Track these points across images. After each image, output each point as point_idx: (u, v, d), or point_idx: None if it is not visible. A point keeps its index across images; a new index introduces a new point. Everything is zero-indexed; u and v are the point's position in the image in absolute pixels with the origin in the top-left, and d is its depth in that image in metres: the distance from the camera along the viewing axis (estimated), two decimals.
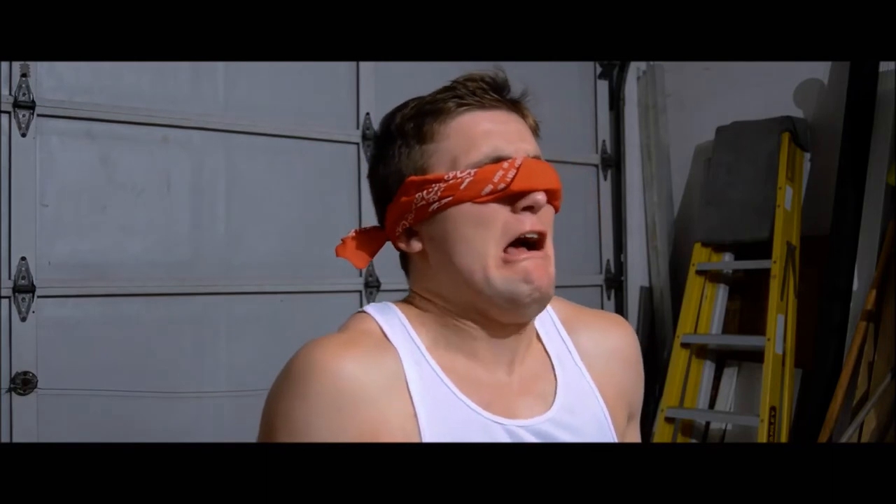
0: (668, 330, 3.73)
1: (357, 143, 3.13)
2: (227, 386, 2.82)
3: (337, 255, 1.06)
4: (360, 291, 3.11)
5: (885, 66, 3.17)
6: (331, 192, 3.10)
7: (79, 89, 2.64)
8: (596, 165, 3.87)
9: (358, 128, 3.14)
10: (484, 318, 1.00)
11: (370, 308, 1.02)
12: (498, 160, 0.96)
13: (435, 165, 0.98)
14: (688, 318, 3.46)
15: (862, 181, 3.15)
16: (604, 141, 3.89)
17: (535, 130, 1.03)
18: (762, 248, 3.32)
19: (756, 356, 3.28)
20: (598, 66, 3.90)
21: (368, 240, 1.06)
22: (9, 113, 2.50)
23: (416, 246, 1.01)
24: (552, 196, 0.99)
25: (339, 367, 0.93)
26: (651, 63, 3.89)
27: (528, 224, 0.97)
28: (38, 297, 2.52)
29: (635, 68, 3.92)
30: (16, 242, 2.49)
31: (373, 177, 1.05)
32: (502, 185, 0.95)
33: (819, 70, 3.41)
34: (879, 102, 3.16)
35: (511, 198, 0.96)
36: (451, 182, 0.96)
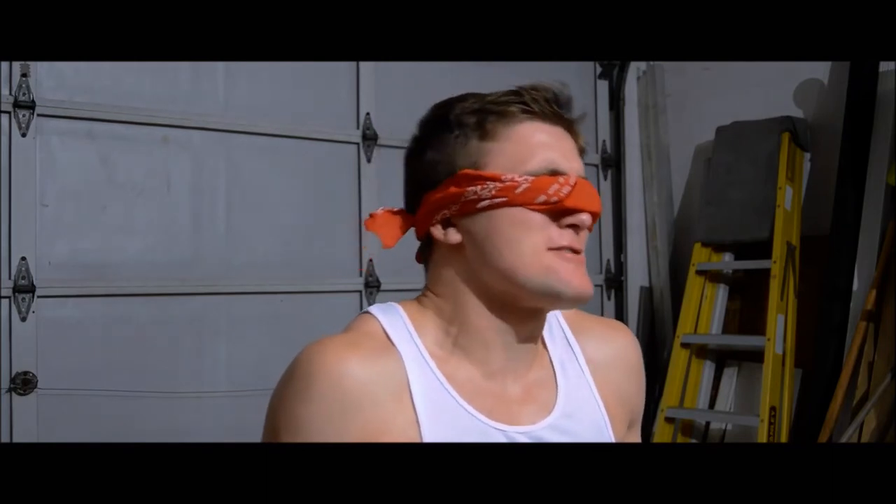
0: (668, 330, 3.73)
1: (357, 143, 3.13)
2: (227, 386, 2.82)
3: (366, 228, 1.06)
4: (360, 291, 3.11)
5: (885, 66, 3.17)
6: (331, 192, 3.10)
7: (79, 89, 2.63)
8: (596, 165, 3.87)
9: (358, 128, 3.14)
10: (509, 309, 1.00)
11: (374, 309, 1.02)
12: (553, 173, 0.98)
13: (491, 164, 0.98)
14: (688, 318, 3.46)
15: (862, 181, 3.15)
16: (604, 141, 3.89)
17: (583, 153, 1.04)
18: (762, 248, 3.32)
19: (756, 356, 3.28)
20: (598, 66, 3.90)
21: (398, 220, 1.06)
22: (9, 113, 2.50)
23: (454, 237, 1.00)
24: (594, 219, 1.01)
25: (342, 368, 0.93)
26: (651, 63, 3.89)
27: (567, 239, 0.98)
28: (38, 297, 2.52)
29: (635, 68, 3.92)
30: (16, 242, 2.49)
31: (417, 160, 1.04)
32: (555, 199, 0.97)
33: (819, 70, 3.41)
34: (879, 102, 3.16)
35: (560, 213, 0.98)
36: (507, 184, 0.97)
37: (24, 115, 2.51)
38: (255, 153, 2.95)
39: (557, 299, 0.98)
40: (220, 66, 2.88)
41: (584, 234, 1.01)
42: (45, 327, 2.53)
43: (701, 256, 3.50)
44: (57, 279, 2.56)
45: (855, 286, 3.14)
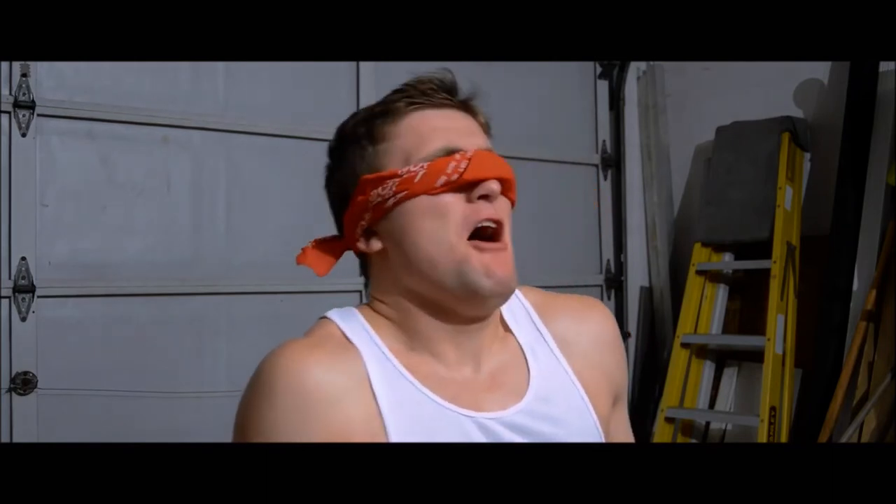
0: (668, 330, 3.73)
1: None
2: (227, 386, 2.82)
3: (297, 262, 1.08)
4: (360, 291, 3.11)
5: (885, 66, 3.16)
6: None
7: (79, 89, 2.63)
8: (596, 165, 3.87)
9: None
10: (444, 313, 1.00)
11: (332, 313, 1.03)
12: (450, 153, 0.98)
13: (388, 163, 0.99)
14: (688, 318, 3.45)
15: (862, 181, 3.15)
16: (604, 141, 3.89)
17: (487, 129, 1.04)
18: (762, 248, 3.32)
19: (756, 356, 3.28)
20: (598, 66, 3.89)
21: (328, 248, 1.07)
22: (9, 113, 2.50)
23: (376, 245, 1.01)
24: (506, 186, 1.00)
25: (301, 370, 0.94)
26: (651, 63, 3.89)
27: (484, 212, 0.98)
28: (38, 297, 2.51)
29: (635, 68, 3.92)
30: (16, 242, 2.49)
31: (330, 186, 1.06)
32: (455, 176, 0.97)
33: (819, 70, 3.41)
34: (879, 102, 3.16)
35: (465, 187, 0.98)
36: (404, 176, 0.97)
37: (24, 115, 2.51)
38: (255, 153, 2.95)
39: (475, 296, 0.97)
40: (220, 66, 2.88)
41: (504, 205, 1.00)
42: (45, 327, 2.53)
43: (701, 256, 3.50)
44: (57, 279, 2.56)
45: (855, 286, 3.14)
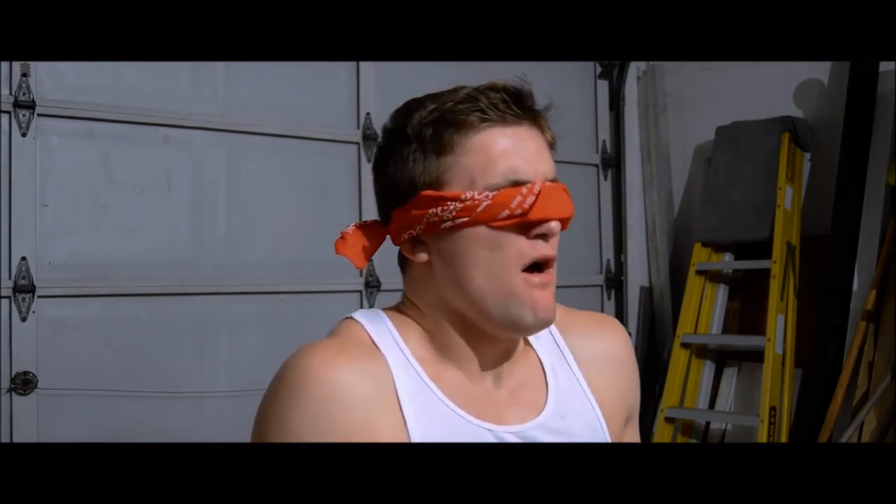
0: (668, 330, 3.73)
1: (357, 143, 3.13)
2: (227, 386, 2.82)
3: (336, 251, 1.04)
4: (361, 291, 3.11)
5: (885, 66, 3.17)
6: (331, 192, 3.10)
7: (79, 89, 2.63)
8: (596, 165, 3.87)
9: (358, 128, 3.14)
10: (479, 332, 1.00)
11: (359, 315, 1.02)
12: (516, 183, 0.95)
13: (451, 181, 0.96)
14: (688, 318, 3.45)
15: (862, 181, 3.15)
16: (604, 141, 3.89)
17: (553, 146, 1.03)
18: (762, 248, 3.32)
19: (756, 356, 3.28)
20: (598, 66, 3.90)
21: (369, 235, 1.04)
22: (9, 113, 2.50)
23: (423, 256, 1.00)
24: (565, 223, 0.99)
25: (330, 375, 0.93)
26: (651, 63, 3.89)
27: (541, 250, 0.97)
28: (38, 297, 2.51)
29: (635, 68, 3.92)
30: (16, 242, 2.49)
31: (380, 173, 1.03)
32: (519, 212, 0.95)
33: (819, 70, 3.41)
34: (879, 102, 3.16)
35: (527, 224, 0.96)
36: (467, 203, 0.95)
37: (24, 115, 2.51)
38: (255, 153, 2.95)
39: (518, 328, 0.98)
40: (220, 66, 2.88)
41: (556, 238, 0.99)
42: (45, 327, 2.53)
43: (701, 256, 3.50)
44: (57, 279, 2.56)
45: (855, 286, 3.14)
